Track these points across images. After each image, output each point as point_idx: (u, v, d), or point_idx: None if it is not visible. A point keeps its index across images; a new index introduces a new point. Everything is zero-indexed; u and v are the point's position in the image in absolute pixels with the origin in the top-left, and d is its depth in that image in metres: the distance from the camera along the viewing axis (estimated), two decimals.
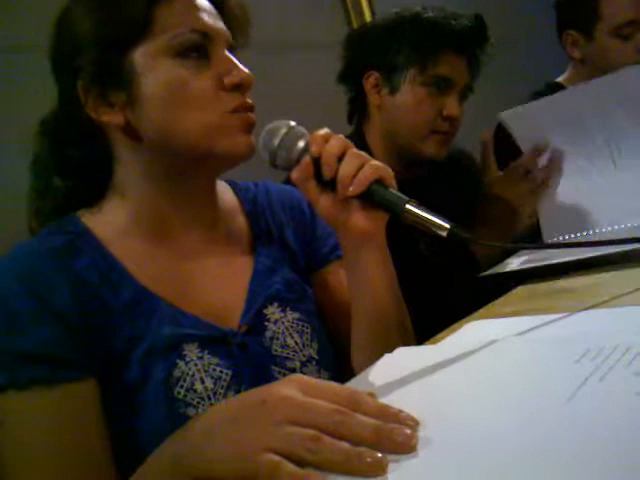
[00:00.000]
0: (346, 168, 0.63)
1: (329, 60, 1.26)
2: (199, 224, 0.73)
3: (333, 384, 0.43)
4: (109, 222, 0.70)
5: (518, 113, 1.10)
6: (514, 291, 0.73)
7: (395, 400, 0.44)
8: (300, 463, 0.37)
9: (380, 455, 0.36)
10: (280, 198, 0.84)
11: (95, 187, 0.72)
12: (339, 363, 0.78)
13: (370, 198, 0.64)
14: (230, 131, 0.67)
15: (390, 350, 0.58)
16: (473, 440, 0.37)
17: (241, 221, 0.80)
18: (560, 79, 1.70)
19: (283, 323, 0.73)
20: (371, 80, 1.20)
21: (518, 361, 0.49)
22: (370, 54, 1.20)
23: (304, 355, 0.72)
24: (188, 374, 0.64)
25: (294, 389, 0.41)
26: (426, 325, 0.76)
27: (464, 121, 1.20)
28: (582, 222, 1.01)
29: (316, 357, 0.73)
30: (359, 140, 1.21)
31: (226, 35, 0.70)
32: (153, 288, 0.68)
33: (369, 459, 0.36)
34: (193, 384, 0.64)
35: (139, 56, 0.66)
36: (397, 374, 0.52)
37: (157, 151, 0.68)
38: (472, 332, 0.60)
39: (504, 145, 1.57)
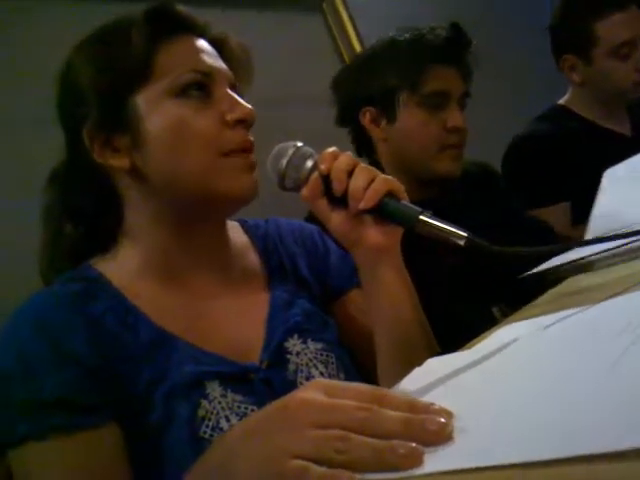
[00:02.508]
0: (357, 182, 0.63)
1: (331, 112, 1.27)
2: (211, 266, 0.73)
3: (356, 384, 0.40)
4: (122, 267, 0.70)
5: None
6: (546, 294, 0.70)
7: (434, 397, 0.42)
8: (330, 465, 0.34)
9: (414, 444, 0.33)
10: (291, 231, 0.84)
11: (107, 232, 0.72)
12: None
13: (383, 212, 0.62)
14: (231, 173, 0.68)
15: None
16: (514, 424, 0.34)
17: (254, 259, 0.79)
18: (562, 101, 1.70)
19: (306, 355, 0.70)
20: (367, 116, 1.19)
21: (553, 347, 0.46)
22: (358, 91, 1.20)
23: None
24: (213, 413, 0.62)
25: (316, 392, 0.38)
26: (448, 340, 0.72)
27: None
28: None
29: None
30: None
31: (227, 74, 0.71)
32: (170, 329, 0.67)
33: (402, 450, 0.33)
34: (218, 422, 0.61)
35: (141, 100, 0.67)
36: (427, 382, 0.49)
37: (163, 193, 0.68)
38: (501, 334, 0.57)
39: (515, 167, 1.57)
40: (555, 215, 1.53)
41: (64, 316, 0.62)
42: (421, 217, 0.59)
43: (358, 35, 1.89)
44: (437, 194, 1.17)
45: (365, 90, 1.18)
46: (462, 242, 0.57)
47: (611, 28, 1.51)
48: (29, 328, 0.60)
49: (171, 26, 0.69)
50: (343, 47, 1.88)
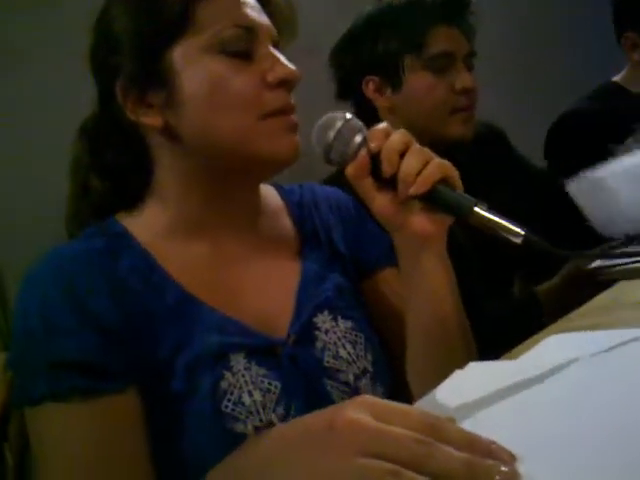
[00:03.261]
0: (409, 165, 0.57)
1: None
2: (242, 228, 0.69)
3: (406, 407, 0.37)
4: (149, 225, 0.66)
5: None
6: (595, 300, 0.66)
7: (475, 424, 0.39)
8: None
9: None
10: (327, 199, 0.79)
11: (134, 190, 0.69)
12: (393, 377, 0.72)
13: (434, 199, 0.58)
14: (271, 134, 0.63)
15: (454, 368, 0.52)
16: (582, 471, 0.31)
17: (287, 224, 0.75)
18: (617, 78, 1.63)
19: (335, 333, 0.67)
20: (370, 85, 1.13)
21: (610, 378, 0.43)
22: (359, 61, 1.13)
23: (358, 367, 0.66)
24: (236, 386, 0.59)
25: (363, 412, 0.35)
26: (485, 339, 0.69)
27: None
28: None
29: (371, 370, 0.67)
30: None
31: (271, 30, 0.66)
32: (196, 293, 0.63)
33: None
34: (241, 397, 0.59)
35: (179, 54, 0.62)
36: (473, 393, 0.46)
37: (197, 155, 0.64)
38: (553, 347, 0.54)
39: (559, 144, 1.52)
40: None
41: (89, 276, 0.59)
42: (475, 209, 0.55)
43: None
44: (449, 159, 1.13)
45: (366, 58, 1.12)
46: (519, 240, 0.53)
47: None
48: (54, 287, 0.58)
49: None
50: None
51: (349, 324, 0.69)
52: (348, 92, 1.19)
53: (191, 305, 0.62)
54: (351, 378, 0.65)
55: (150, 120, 0.64)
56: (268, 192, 0.75)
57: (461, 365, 0.54)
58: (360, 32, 1.14)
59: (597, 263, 0.78)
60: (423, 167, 0.57)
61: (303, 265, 0.71)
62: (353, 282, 0.74)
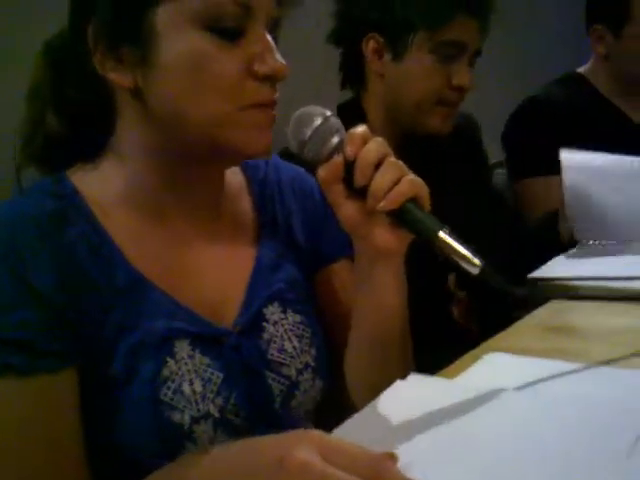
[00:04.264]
0: (382, 180, 0.57)
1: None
2: (199, 207, 0.67)
3: (354, 448, 0.39)
4: (103, 186, 0.63)
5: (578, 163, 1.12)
6: (527, 319, 0.69)
7: (411, 442, 0.42)
8: None
9: None
10: (291, 181, 0.77)
11: (91, 137, 0.65)
12: (331, 370, 0.74)
13: (401, 217, 0.58)
14: (248, 127, 0.60)
15: (388, 378, 0.55)
16: None
17: (247, 204, 0.73)
18: (581, 70, 1.65)
19: (282, 326, 0.68)
20: (372, 44, 1.08)
21: (534, 413, 0.46)
22: (372, 13, 1.07)
23: (301, 362, 0.68)
24: (177, 374, 0.59)
25: (312, 451, 0.37)
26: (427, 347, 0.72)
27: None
28: (617, 231, 1.03)
29: (313, 364, 0.69)
30: (356, 110, 1.13)
31: (270, 9, 0.61)
32: (146, 272, 0.62)
33: None
34: (181, 385, 0.59)
35: (164, 14, 0.57)
36: (413, 409, 0.49)
37: (163, 125, 0.61)
38: (493, 369, 0.57)
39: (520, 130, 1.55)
40: (547, 187, 1.50)
41: (31, 244, 0.57)
42: (440, 234, 0.56)
43: None
44: (420, 153, 1.10)
45: (380, 15, 1.06)
46: (475, 271, 0.54)
47: None
48: None
49: None
50: None
51: (298, 318, 0.69)
52: (343, 40, 1.14)
53: (140, 285, 0.61)
54: (293, 372, 0.67)
55: (118, 77, 0.59)
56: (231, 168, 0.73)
57: (396, 372, 0.58)
58: None
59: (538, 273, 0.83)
60: (395, 183, 0.57)
61: (258, 252, 0.70)
62: (306, 273, 0.74)
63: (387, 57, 1.08)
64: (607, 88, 1.59)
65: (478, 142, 1.34)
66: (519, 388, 0.51)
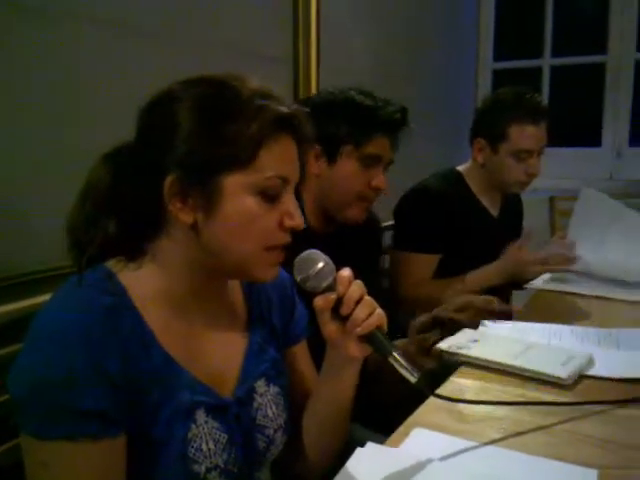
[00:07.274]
0: (360, 313, 0.82)
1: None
2: (211, 302, 0.87)
3: None
4: (144, 285, 0.79)
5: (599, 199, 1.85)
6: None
7: None
8: None
9: None
10: None
11: (136, 237, 0.81)
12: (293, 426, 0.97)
13: (369, 338, 0.83)
14: (267, 264, 0.82)
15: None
16: None
17: (239, 296, 0.95)
18: (460, 168, 2.03)
19: (266, 396, 0.90)
20: (312, 152, 1.39)
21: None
22: (315, 129, 1.34)
23: (277, 424, 0.90)
24: (198, 436, 0.78)
25: None
26: None
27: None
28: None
29: (283, 425, 0.92)
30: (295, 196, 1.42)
31: (296, 177, 0.83)
32: (173, 353, 0.80)
33: None
34: (201, 445, 0.78)
35: (231, 181, 0.76)
36: (375, 474, 0.75)
37: (208, 255, 0.80)
38: (421, 442, 0.84)
39: (406, 213, 1.88)
40: (423, 263, 1.87)
41: (102, 333, 0.71)
42: (393, 353, 0.82)
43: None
44: (337, 230, 1.46)
45: (318, 131, 1.33)
46: (413, 380, 0.80)
47: (520, 135, 1.85)
48: (78, 343, 0.69)
49: (284, 126, 0.78)
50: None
51: (276, 389, 0.92)
52: None
53: (171, 367, 0.79)
54: (272, 432, 0.89)
55: (184, 217, 0.76)
56: None
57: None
58: (322, 107, 1.37)
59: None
60: (368, 316, 0.82)
61: (249, 338, 0.92)
62: (282, 353, 0.98)
63: (322, 160, 1.40)
64: (477, 188, 1.99)
65: (380, 232, 1.73)
66: (441, 459, 0.78)
